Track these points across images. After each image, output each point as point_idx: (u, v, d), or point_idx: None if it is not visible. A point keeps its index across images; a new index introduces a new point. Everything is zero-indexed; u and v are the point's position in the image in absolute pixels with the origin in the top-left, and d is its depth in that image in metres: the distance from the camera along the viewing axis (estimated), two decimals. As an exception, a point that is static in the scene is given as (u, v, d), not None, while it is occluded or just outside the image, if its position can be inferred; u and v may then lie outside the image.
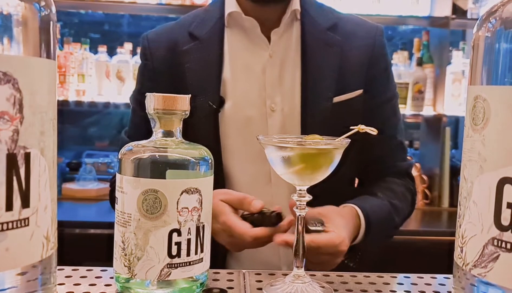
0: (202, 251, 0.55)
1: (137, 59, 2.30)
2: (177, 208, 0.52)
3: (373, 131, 0.57)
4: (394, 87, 1.06)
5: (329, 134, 0.59)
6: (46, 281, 0.43)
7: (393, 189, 0.99)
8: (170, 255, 0.52)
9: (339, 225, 0.77)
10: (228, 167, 0.99)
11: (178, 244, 0.52)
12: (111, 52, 2.30)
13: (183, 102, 0.54)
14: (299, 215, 0.58)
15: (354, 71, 0.98)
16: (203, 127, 0.96)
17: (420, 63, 2.29)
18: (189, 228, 0.53)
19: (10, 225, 0.39)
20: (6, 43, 0.38)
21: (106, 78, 2.22)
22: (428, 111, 2.30)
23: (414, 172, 2.13)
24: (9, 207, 0.38)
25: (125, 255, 0.53)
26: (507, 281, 0.39)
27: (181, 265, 0.53)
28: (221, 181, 0.98)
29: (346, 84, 0.97)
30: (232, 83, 0.98)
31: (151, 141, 0.55)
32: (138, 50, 2.32)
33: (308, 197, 0.58)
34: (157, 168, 0.53)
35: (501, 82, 0.40)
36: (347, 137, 0.57)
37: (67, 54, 2.18)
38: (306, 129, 0.95)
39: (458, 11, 2.26)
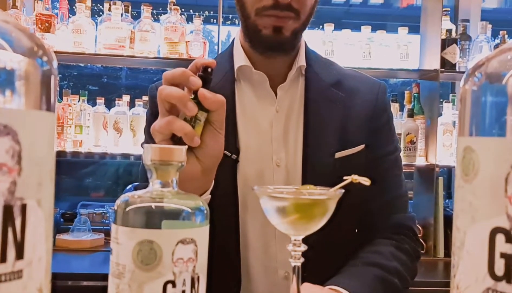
0: (196, 303, 0.54)
1: (135, 110, 2.33)
2: (172, 259, 0.52)
3: (366, 181, 0.57)
4: (396, 141, 1.06)
5: None
6: (38, 335, 0.42)
7: (380, 251, 0.96)
8: (164, 307, 0.51)
9: None
10: (241, 219, 0.98)
11: (173, 296, 0.52)
12: (109, 104, 2.33)
13: (179, 153, 0.55)
14: (294, 265, 0.58)
15: (356, 127, 0.99)
16: (222, 178, 0.90)
17: (411, 114, 2.34)
18: (184, 279, 0.53)
19: (3, 278, 0.38)
20: (9, 96, 0.39)
21: (103, 129, 2.24)
22: (420, 161, 2.33)
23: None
24: (3, 259, 0.38)
25: (119, 307, 0.52)
26: (504, 333, 0.39)
27: (175, 318, 0.52)
28: (236, 234, 0.97)
29: (348, 139, 0.98)
30: (244, 137, 0.98)
31: (148, 192, 0.56)
32: (136, 102, 2.35)
33: (304, 247, 0.58)
34: (153, 218, 0.53)
35: (488, 134, 0.41)
36: (340, 187, 0.58)
37: (65, 106, 2.21)
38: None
39: (447, 64, 2.33)
